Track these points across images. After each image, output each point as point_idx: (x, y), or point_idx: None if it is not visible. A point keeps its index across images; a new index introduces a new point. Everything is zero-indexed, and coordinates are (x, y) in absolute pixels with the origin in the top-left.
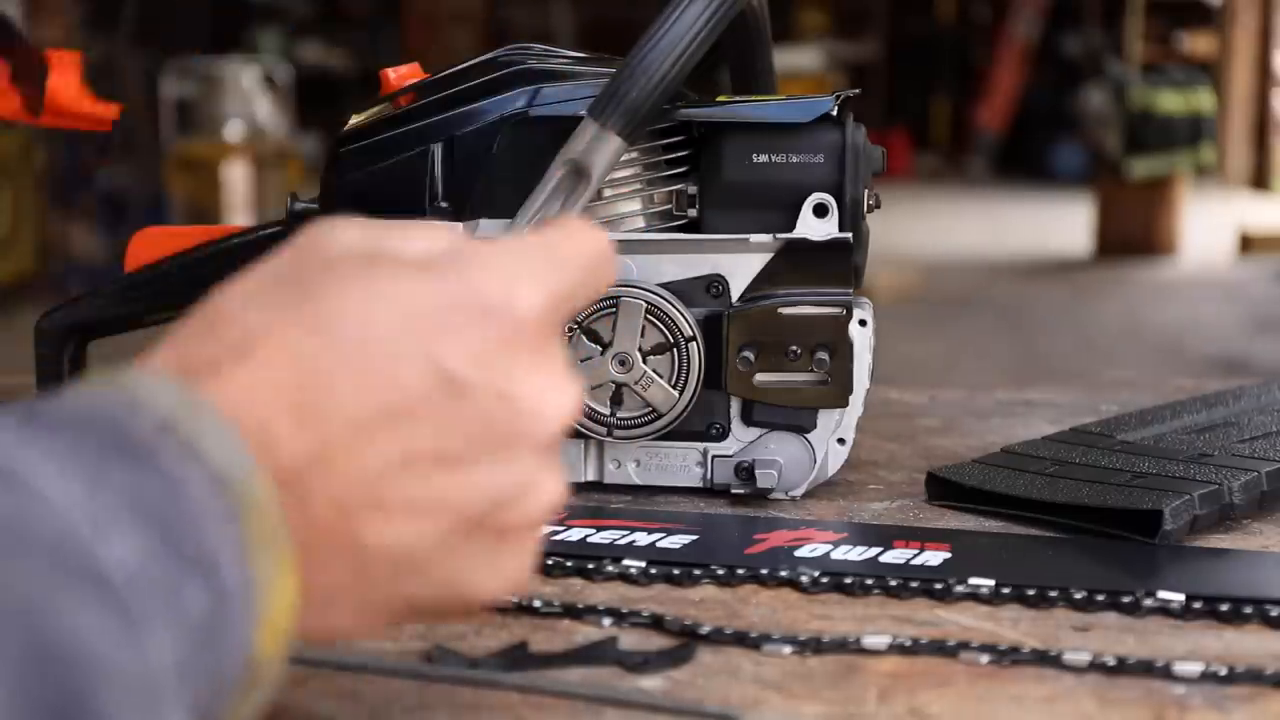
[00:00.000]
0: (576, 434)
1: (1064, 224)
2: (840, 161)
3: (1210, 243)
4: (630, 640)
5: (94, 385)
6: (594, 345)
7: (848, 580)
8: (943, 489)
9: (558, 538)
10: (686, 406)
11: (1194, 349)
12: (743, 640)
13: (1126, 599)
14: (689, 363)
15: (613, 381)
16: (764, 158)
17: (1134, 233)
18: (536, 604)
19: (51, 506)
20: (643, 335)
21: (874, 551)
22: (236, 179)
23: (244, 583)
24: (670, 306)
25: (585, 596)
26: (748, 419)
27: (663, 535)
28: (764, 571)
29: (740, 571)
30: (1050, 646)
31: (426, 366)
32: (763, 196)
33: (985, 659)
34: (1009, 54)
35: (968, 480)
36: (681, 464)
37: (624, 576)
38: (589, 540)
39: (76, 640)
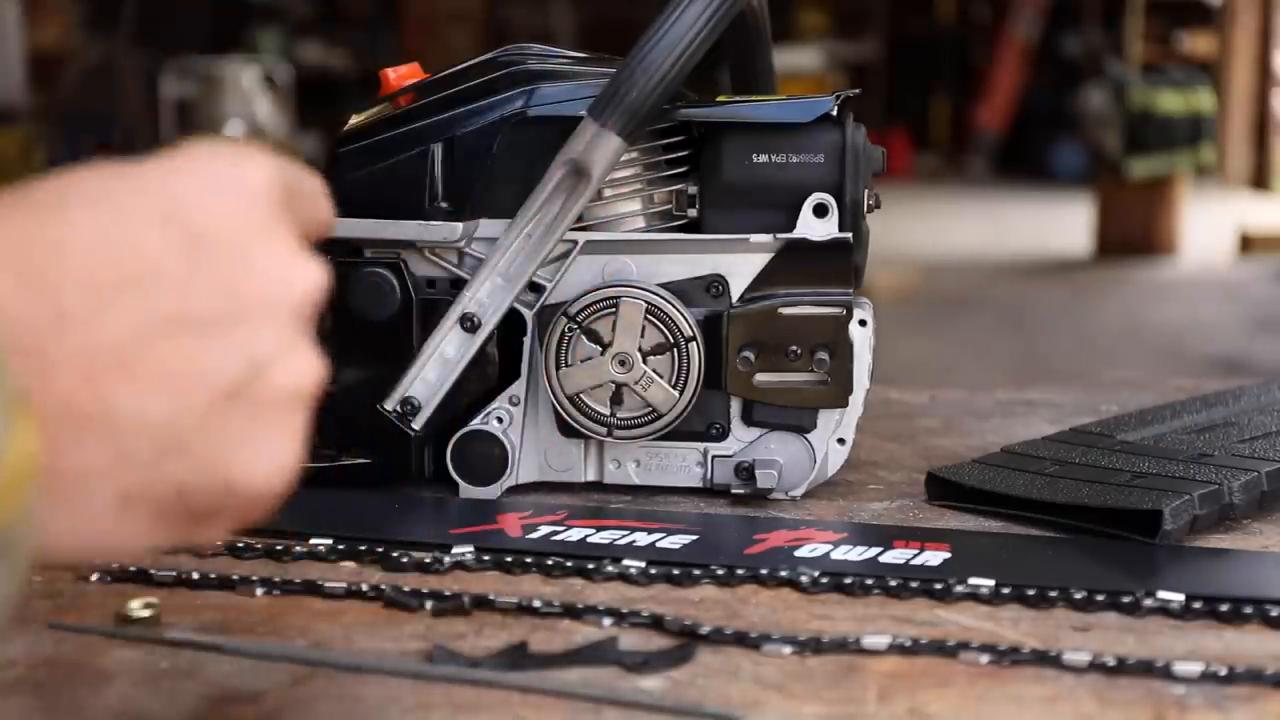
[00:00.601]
0: (576, 434)
1: (1064, 224)
2: (840, 161)
3: (1210, 243)
4: (630, 640)
5: None
6: (594, 345)
7: (848, 580)
8: (943, 489)
9: (558, 538)
10: (686, 407)
11: (1194, 349)
12: (743, 640)
13: (1126, 599)
14: (689, 363)
15: (613, 381)
16: (764, 158)
17: (1134, 233)
18: (536, 604)
19: None
20: (643, 335)
21: (874, 551)
22: None
23: None
24: (670, 306)
25: (585, 597)
26: (748, 419)
27: (663, 535)
28: (764, 571)
29: (740, 572)
30: (1050, 646)
31: (165, 228)
32: (763, 196)
33: (985, 659)
34: (1009, 54)
35: (968, 480)
36: (681, 464)
37: (624, 577)
38: (589, 540)
39: None
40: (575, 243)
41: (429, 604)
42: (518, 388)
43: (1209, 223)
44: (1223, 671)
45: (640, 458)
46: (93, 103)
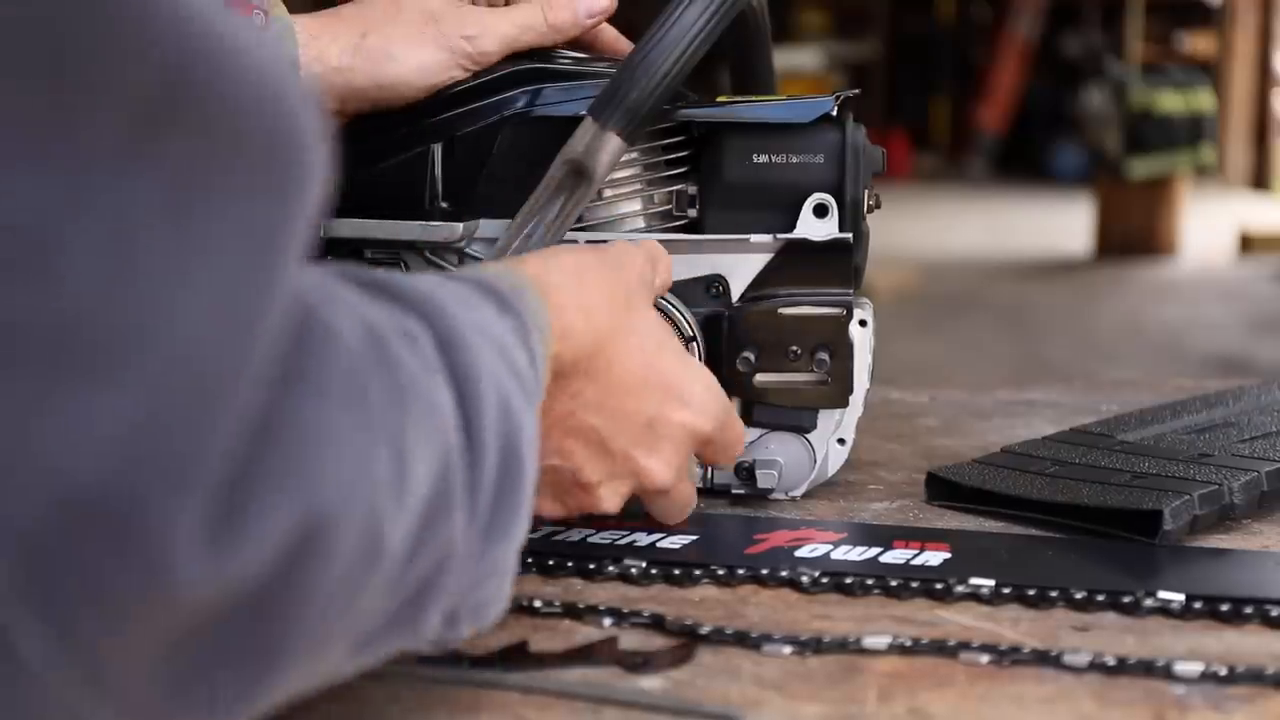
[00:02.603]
0: None
1: (1064, 224)
2: (840, 162)
3: (1210, 243)
4: (630, 640)
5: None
6: None
7: (848, 580)
8: (943, 489)
9: (558, 537)
10: None
11: (1194, 349)
12: (743, 640)
13: (1126, 599)
14: None
15: None
16: (764, 158)
17: (1134, 233)
18: (537, 604)
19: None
20: None
21: (874, 551)
22: None
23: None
24: (671, 307)
25: (585, 596)
26: (748, 419)
27: (663, 535)
28: (764, 571)
29: (740, 571)
30: (1050, 646)
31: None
32: (763, 197)
33: (985, 659)
34: (1009, 54)
35: (968, 480)
36: None
37: (624, 576)
38: (589, 540)
39: (514, 361)
40: (576, 243)
41: None
42: None
43: (1209, 223)
44: (1223, 671)
45: None
46: None
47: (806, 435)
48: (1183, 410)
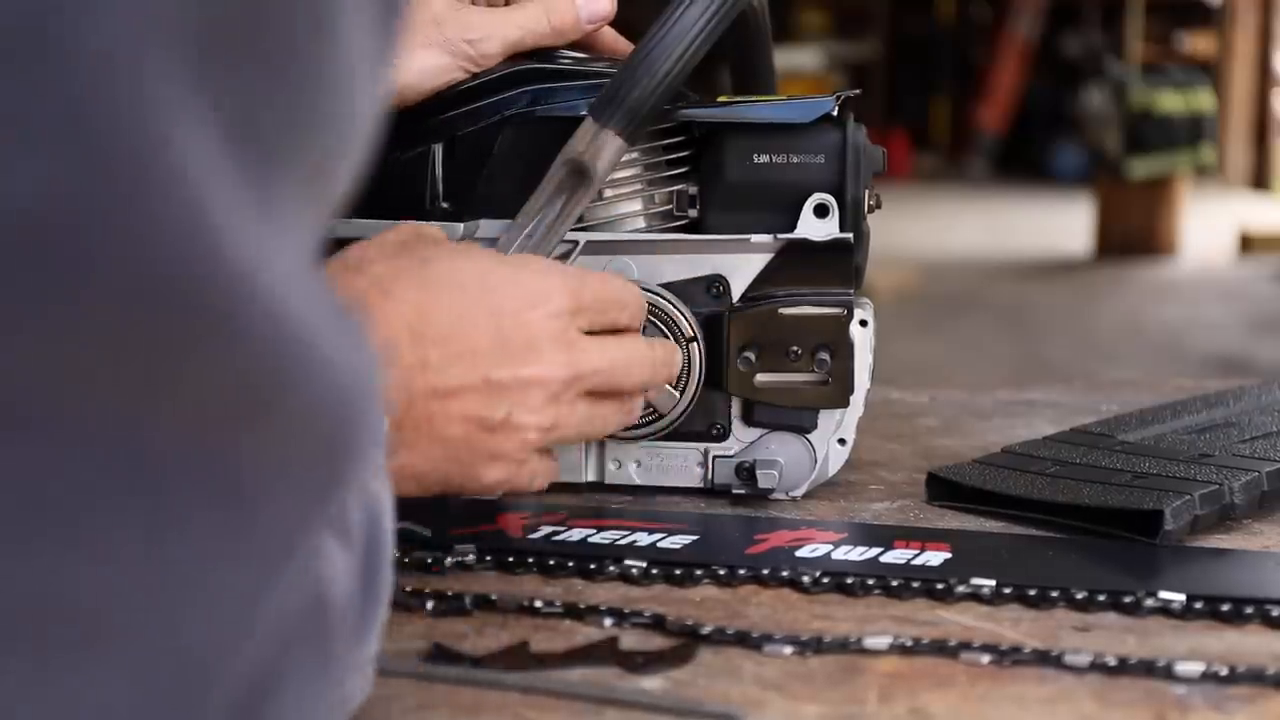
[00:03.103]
0: None
1: (1064, 224)
2: (841, 162)
3: (1210, 243)
4: (631, 640)
5: None
6: None
7: (848, 580)
8: (943, 489)
9: (559, 538)
10: (687, 407)
11: (1194, 349)
12: (744, 640)
13: (1127, 599)
14: (690, 363)
15: None
16: (765, 158)
17: (1134, 233)
18: (538, 604)
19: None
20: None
21: (874, 551)
22: None
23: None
24: (671, 307)
25: (586, 596)
26: (748, 419)
27: (664, 535)
28: (765, 572)
29: (741, 572)
30: (1051, 646)
31: (495, 326)
32: (764, 197)
33: (986, 659)
34: (1009, 54)
35: (968, 480)
36: (682, 464)
37: (625, 577)
38: (590, 540)
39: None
40: (576, 243)
41: (430, 604)
42: None
43: (1209, 223)
44: (1224, 671)
45: (641, 458)
46: None
47: (807, 435)
48: (1183, 410)
